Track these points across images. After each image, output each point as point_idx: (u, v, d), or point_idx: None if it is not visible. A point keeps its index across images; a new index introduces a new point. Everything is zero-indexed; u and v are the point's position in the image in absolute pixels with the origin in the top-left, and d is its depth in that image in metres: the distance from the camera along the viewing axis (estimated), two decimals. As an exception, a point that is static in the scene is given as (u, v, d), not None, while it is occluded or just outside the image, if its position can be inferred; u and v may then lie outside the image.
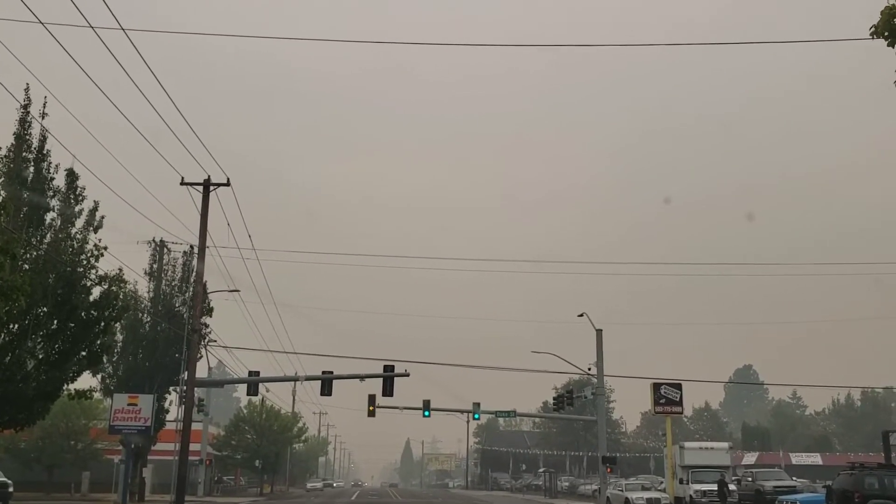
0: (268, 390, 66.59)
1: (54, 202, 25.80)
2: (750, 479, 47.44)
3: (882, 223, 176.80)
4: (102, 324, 25.80)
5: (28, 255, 24.08)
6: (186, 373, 35.39)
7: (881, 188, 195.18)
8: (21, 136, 25.25)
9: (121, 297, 26.69)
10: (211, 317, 43.23)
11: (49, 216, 25.71)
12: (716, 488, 42.53)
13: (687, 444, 52.43)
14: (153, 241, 44.12)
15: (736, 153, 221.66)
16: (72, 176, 26.24)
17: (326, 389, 44.42)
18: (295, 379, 50.47)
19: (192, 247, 42.35)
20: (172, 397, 45.93)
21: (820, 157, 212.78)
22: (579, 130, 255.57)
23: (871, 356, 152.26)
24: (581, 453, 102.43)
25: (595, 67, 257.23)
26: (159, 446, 47.40)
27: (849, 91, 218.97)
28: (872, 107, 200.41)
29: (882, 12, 11.35)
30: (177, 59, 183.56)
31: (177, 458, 35.08)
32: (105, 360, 36.62)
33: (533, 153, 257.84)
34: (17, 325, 23.40)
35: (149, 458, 46.25)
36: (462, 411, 66.03)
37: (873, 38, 11.58)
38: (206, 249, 32.42)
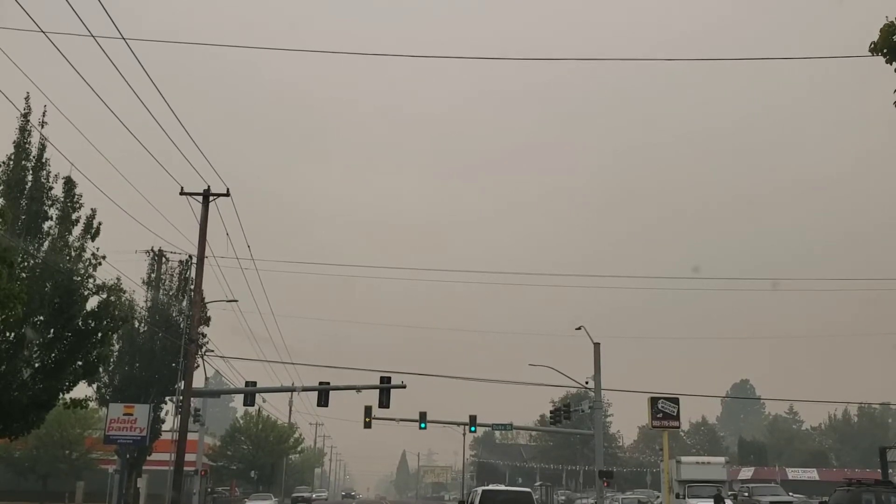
0: (264, 401, 66.47)
1: (52, 211, 25.77)
2: (746, 493, 47.42)
3: (882, 236, 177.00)
4: (100, 334, 25.69)
5: (26, 264, 24.03)
6: (183, 383, 35.27)
7: (881, 202, 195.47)
8: (20, 145, 25.27)
9: (118, 306, 26.58)
10: (208, 326, 43.24)
11: (47, 224, 25.67)
12: (712, 503, 42.43)
13: (684, 459, 52.36)
14: (151, 250, 44.07)
15: (736, 164, 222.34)
16: (70, 184, 26.22)
17: (323, 400, 44.33)
18: (292, 389, 50.33)
19: (190, 256, 42.30)
20: (168, 407, 45.78)
21: (820, 168, 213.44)
22: (578, 139, 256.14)
23: (867, 372, 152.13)
24: (578, 467, 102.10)
25: (596, 80, 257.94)
26: (154, 456, 47.17)
27: (848, 103, 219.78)
28: (873, 118, 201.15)
29: (881, 29, 11.40)
30: (176, 70, 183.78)
31: (172, 468, 34.92)
32: (101, 370, 36.47)
33: (530, 164, 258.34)
34: (13, 334, 23.31)
35: (144, 468, 46.02)
36: (458, 424, 65.79)
37: (873, 55, 11.63)
38: (205, 259, 32.37)
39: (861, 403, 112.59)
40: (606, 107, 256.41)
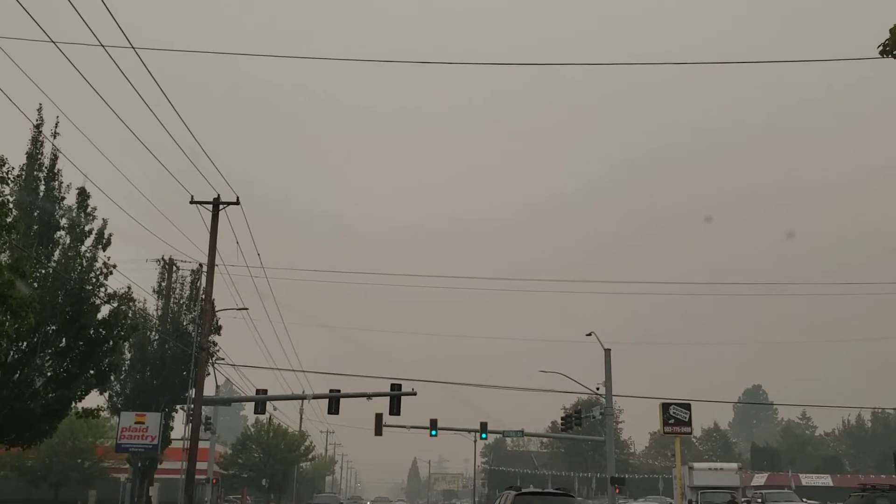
0: (275, 408, 66.49)
1: (64, 221, 25.94)
2: (760, 500, 47.09)
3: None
4: (111, 342, 25.81)
5: (37, 273, 24.18)
6: (194, 391, 35.32)
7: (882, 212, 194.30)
8: (33, 156, 25.50)
9: (130, 315, 26.72)
10: (219, 335, 43.32)
11: (58, 234, 25.85)
12: (726, 509, 42.21)
13: (696, 465, 52.12)
14: (162, 259, 44.26)
15: (764, 171, 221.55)
16: (83, 195, 26.42)
17: (334, 408, 44.34)
18: (302, 397, 50.38)
19: (200, 265, 42.46)
20: (179, 415, 45.89)
21: (821, 172, 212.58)
22: (592, 143, 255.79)
23: (881, 376, 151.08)
24: (589, 474, 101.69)
25: (615, 81, 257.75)
26: (166, 464, 47.26)
27: (868, 105, 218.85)
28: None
29: (892, 30, 11.26)
30: (185, 78, 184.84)
31: (184, 476, 34.96)
32: (113, 379, 36.64)
33: (542, 169, 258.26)
34: (25, 343, 23.43)
35: (155, 476, 46.11)
36: (469, 430, 65.64)
37: (883, 57, 11.51)
38: (216, 267, 32.44)
39: (875, 408, 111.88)
40: (618, 111, 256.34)
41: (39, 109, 24.94)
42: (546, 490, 30.27)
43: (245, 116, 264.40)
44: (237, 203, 32.41)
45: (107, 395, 41.25)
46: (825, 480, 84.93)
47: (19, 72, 18.77)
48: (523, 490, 22.84)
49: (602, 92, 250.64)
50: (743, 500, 48.50)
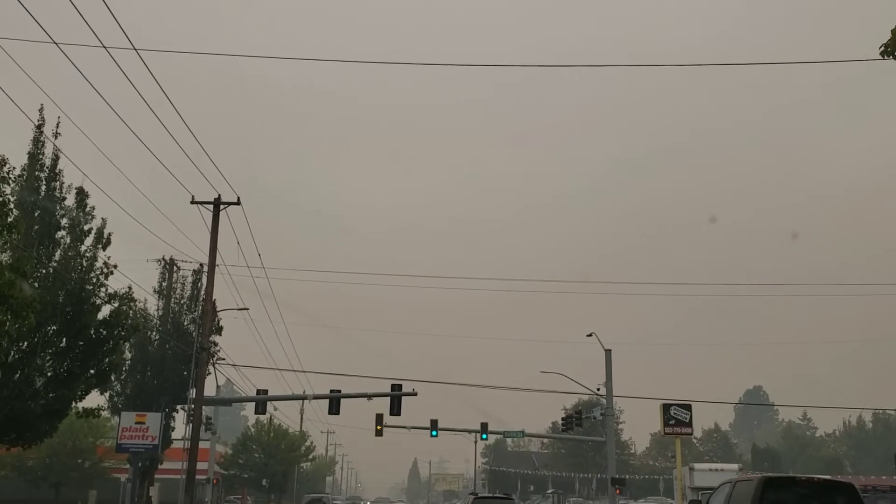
0: (276, 409, 66.51)
1: (65, 221, 25.96)
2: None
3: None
4: (111, 342, 25.81)
5: (38, 273, 24.18)
6: (194, 391, 35.33)
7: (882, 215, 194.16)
8: (34, 156, 25.53)
9: (130, 315, 26.73)
10: (220, 335, 43.31)
11: (59, 234, 25.86)
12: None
13: (697, 466, 52.04)
14: (163, 259, 44.25)
15: (764, 171, 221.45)
16: (82, 194, 26.44)
17: (334, 408, 44.36)
18: (303, 397, 50.42)
19: (201, 265, 42.46)
20: (180, 415, 45.85)
21: (822, 173, 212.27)
22: (591, 144, 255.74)
23: (881, 377, 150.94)
24: (590, 474, 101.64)
25: (617, 82, 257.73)
26: (166, 465, 47.27)
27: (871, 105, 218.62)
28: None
29: (893, 31, 11.24)
30: (186, 78, 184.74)
31: (184, 476, 34.96)
32: (113, 379, 36.61)
33: (542, 169, 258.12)
34: (26, 343, 23.44)
35: (156, 476, 46.09)
36: (470, 431, 65.63)
37: (884, 58, 11.49)
38: (216, 268, 32.45)
39: (876, 409, 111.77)
40: (618, 111, 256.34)
41: (41, 110, 25.02)
42: (495, 495, 44.33)
43: (244, 116, 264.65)
44: (238, 203, 32.43)
45: (107, 395, 41.19)
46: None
47: (21, 72, 18.79)
48: (479, 494, 32.71)
49: (602, 92, 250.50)
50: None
